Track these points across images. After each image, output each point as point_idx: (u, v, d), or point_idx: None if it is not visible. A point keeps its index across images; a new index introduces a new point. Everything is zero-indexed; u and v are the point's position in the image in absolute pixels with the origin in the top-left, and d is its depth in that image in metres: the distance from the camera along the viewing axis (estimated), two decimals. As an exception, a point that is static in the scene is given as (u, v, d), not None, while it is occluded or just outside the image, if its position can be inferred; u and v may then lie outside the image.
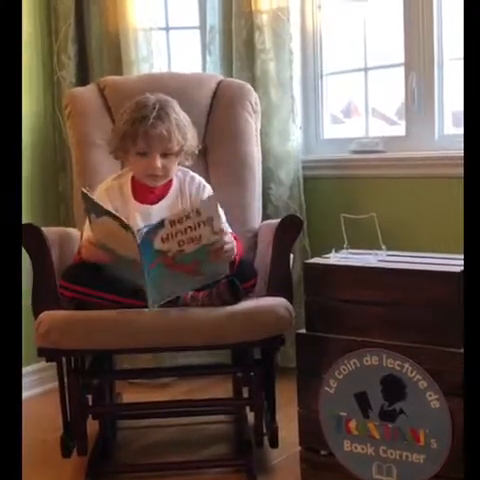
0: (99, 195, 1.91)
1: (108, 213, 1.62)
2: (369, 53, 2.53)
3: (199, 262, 1.64)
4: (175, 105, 1.90)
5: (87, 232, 1.81)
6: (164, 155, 1.85)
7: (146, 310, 1.64)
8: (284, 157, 2.49)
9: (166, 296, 1.65)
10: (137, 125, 1.82)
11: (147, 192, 1.91)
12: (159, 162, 1.84)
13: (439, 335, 1.48)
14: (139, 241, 1.56)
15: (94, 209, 1.66)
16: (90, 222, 1.71)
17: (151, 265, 1.60)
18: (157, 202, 1.91)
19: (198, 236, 1.60)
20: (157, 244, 1.59)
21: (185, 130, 1.88)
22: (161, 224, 1.59)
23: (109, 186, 1.93)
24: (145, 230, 1.61)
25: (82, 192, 1.68)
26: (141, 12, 2.50)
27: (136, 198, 1.91)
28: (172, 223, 1.59)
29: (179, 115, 1.88)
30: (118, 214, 1.63)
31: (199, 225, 1.60)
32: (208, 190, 1.96)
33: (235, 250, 1.75)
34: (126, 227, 1.59)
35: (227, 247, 1.69)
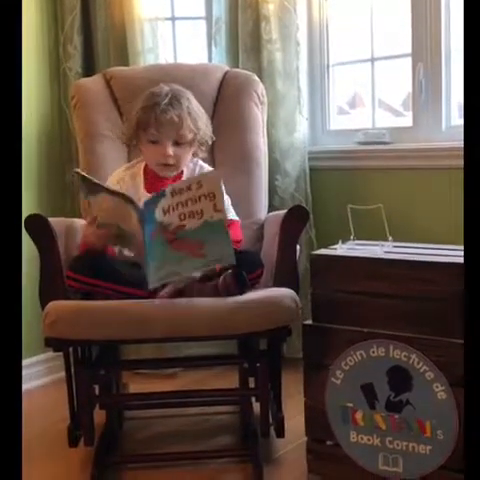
0: (111, 185, 1.91)
1: (106, 190, 1.62)
2: (376, 43, 2.52)
3: (202, 243, 1.59)
4: (189, 95, 1.91)
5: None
6: (176, 144, 1.85)
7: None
8: (290, 148, 2.49)
9: (166, 276, 1.61)
10: (149, 112, 1.84)
11: (158, 183, 1.91)
12: (171, 150, 1.84)
13: (446, 326, 1.48)
14: (141, 208, 1.55)
15: (91, 188, 1.64)
16: (89, 204, 1.67)
17: (152, 234, 1.57)
18: None
19: (199, 210, 1.57)
20: (158, 215, 1.57)
21: (197, 118, 1.87)
22: (162, 194, 1.57)
23: (121, 177, 1.93)
24: (146, 200, 1.59)
25: (77, 173, 1.67)
26: (147, 2, 2.49)
27: (147, 188, 1.91)
28: (173, 193, 1.57)
29: (192, 104, 1.89)
30: (116, 189, 1.62)
31: (200, 198, 1.57)
32: None
33: None
34: (126, 199, 1.58)
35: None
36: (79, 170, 1.68)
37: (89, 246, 1.76)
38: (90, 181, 1.65)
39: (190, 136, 1.86)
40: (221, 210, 1.58)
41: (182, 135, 1.85)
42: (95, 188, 1.64)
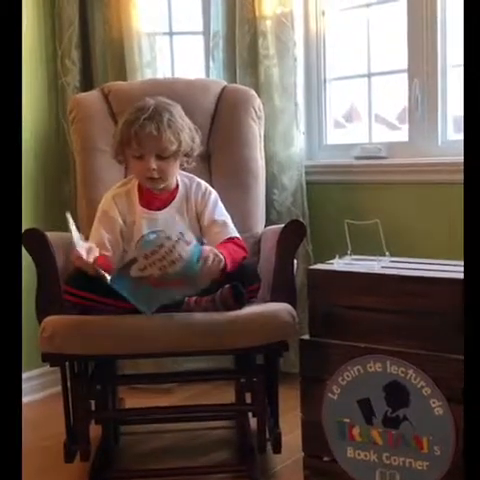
0: (106, 203, 1.92)
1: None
2: (372, 59, 2.53)
3: (186, 277, 1.65)
4: (173, 108, 1.89)
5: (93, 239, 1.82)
6: (160, 157, 1.85)
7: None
8: (287, 162, 2.50)
9: (160, 302, 1.67)
10: (129, 128, 1.83)
11: (153, 198, 1.91)
12: (154, 164, 1.83)
13: (443, 342, 1.48)
14: (112, 280, 1.61)
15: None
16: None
17: (134, 289, 1.63)
18: (163, 208, 1.91)
19: (178, 256, 1.63)
20: (135, 273, 1.62)
21: (179, 130, 1.86)
22: (133, 260, 1.62)
23: (116, 194, 1.93)
24: (118, 268, 1.64)
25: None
26: (145, 17, 2.50)
27: (142, 204, 1.91)
28: (146, 256, 1.61)
29: (174, 116, 1.87)
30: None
31: (175, 247, 1.63)
32: (214, 196, 1.96)
33: (222, 259, 1.72)
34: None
35: (212, 260, 1.69)
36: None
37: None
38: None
39: (173, 148, 1.85)
40: (191, 241, 1.67)
41: (164, 148, 1.84)
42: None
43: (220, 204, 1.96)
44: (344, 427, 1.62)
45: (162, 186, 1.90)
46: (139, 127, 1.81)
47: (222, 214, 1.94)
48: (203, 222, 1.91)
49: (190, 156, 1.92)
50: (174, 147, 1.85)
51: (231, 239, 1.88)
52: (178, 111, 1.90)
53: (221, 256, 1.72)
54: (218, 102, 2.24)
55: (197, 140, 1.93)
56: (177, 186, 1.94)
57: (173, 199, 1.93)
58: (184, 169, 1.96)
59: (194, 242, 1.66)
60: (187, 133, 1.89)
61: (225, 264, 1.73)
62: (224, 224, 1.91)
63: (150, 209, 1.90)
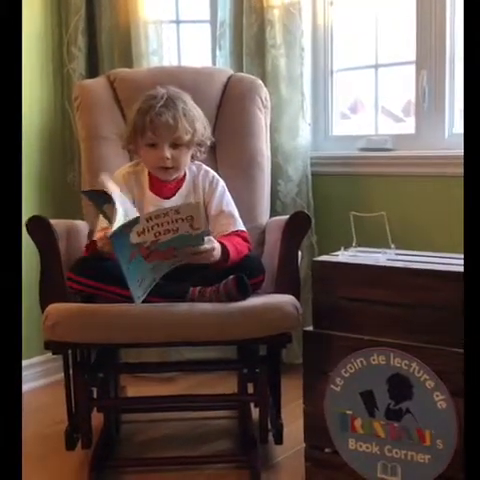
0: (116, 180, 1.89)
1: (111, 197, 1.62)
2: (380, 50, 2.52)
3: (174, 248, 1.62)
4: (185, 97, 1.89)
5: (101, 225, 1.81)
6: (174, 146, 1.84)
7: (133, 305, 1.61)
8: (293, 153, 2.49)
9: (147, 287, 1.63)
10: (144, 115, 1.83)
11: (162, 185, 1.91)
12: (168, 152, 1.83)
13: (447, 335, 1.48)
14: (112, 234, 1.53)
15: (102, 199, 1.63)
16: (105, 214, 1.65)
17: (130, 257, 1.58)
18: (171, 196, 1.90)
19: (175, 228, 1.59)
20: (133, 238, 1.58)
21: (193, 119, 1.86)
22: (136, 220, 1.58)
23: (126, 173, 1.93)
24: (120, 225, 1.58)
25: (83, 192, 1.67)
26: (151, 5, 2.49)
27: (152, 190, 1.90)
28: (148, 219, 1.58)
29: (187, 105, 1.87)
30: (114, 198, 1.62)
31: (177, 221, 1.59)
32: (222, 185, 1.95)
33: (217, 254, 1.71)
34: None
35: (207, 251, 1.67)
36: (83, 190, 1.69)
37: (97, 249, 1.72)
38: (99, 192, 1.65)
39: (187, 137, 1.85)
40: (199, 228, 1.60)
41: (178, 137, 1.83)
42: (106, 197, 1.63)
43: (227, 194, 1.95)
44: (346, 419, 1.61)
45: (174, 176, 1.89)
46: (155, 115, 1.81)
47: (229, 204, 1.94)
48: (210, 211, 1.90)
49: (202, 146, 1.92)
50: (189, 136, 1.85)
51: (237, 232, 1.88)
52: (190, 100, 1.90)
53: (217, 253, 1.70)
54: (224, 91, 2.23)
55: (208, 130, 1.93)
56: (184, 174, 1.94)
57: (181, 187, 1.92)
58: (194, 160, 1.95)
59: (201, 230, 1.61)
60: (200, 123, 1.88)
61: (228, 257, 1.73)
62: (231, 215, 1.91)
63: (159, 196, 1.90)
